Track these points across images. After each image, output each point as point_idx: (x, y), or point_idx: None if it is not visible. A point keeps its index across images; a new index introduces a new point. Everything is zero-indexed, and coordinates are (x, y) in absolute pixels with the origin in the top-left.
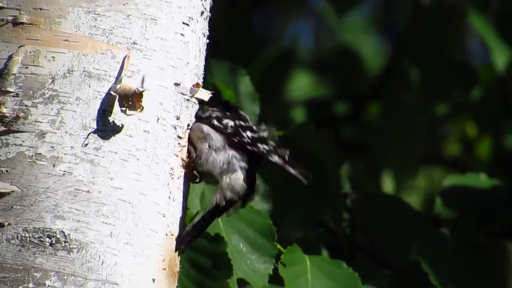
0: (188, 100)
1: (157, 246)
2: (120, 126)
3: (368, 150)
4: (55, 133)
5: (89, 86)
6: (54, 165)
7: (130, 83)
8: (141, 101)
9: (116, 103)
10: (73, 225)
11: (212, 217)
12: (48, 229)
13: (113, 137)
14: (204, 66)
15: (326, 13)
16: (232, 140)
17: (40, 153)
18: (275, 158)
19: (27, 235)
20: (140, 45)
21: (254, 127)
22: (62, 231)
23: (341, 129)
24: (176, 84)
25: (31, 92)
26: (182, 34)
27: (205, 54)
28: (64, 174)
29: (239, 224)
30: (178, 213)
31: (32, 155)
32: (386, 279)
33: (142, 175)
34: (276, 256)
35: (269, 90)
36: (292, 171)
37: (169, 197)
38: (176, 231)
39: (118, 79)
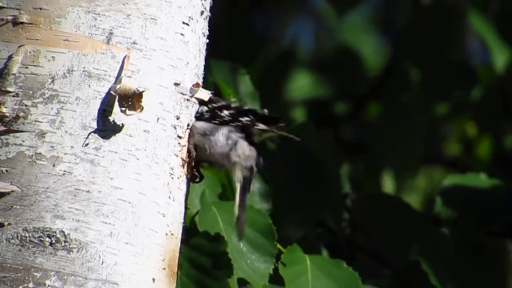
0: (188, 100)
1: (157, 246)
2: (120, 126)
3: (368, 150)
4: (55, 133)
5: (89, 86)
6: (54, 165)
7: (130, 83)
8: (141, 101)
9: (116, 103)
10: (73, 224)
11: (246, 192)
12: (48, 229)
13: (113, 137)
14: (204, 66)
15: (326, 13)
16: (215, 123)
17: (40, 153)
18: (261, 126)
19: (27, 235)
20: (140, 45)
21: (231, 104)
22: (62, 230)
23: (341, 129)
24: (176, 84)
25: (31, 92)
26: (182, 34)
27: (205, 54)
28: (64, 174)
29: None
30: (178, 213)
31: (32, 155)
32: (386, 279)
33: (142, 175)
34: (276, 255)
35: (269, 90)
36: (280, 132)
37: (169, 197)
38: (176, 231)
39: (118, 79)
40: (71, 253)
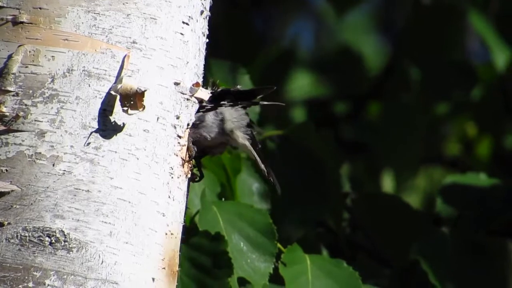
0: (188, 99)
1: (156, 245)
2: (121, 125)
3: (368, 150)
4: (55, 132)
5: (89, 86)
6: (53, 165)
7: (130, 82)
8: (142, 101)
9: (118, 102)
10: (73, 224)
11: (260, 150)
12: (47, 228)
13: (113, 136)
14: (204, 65)
15: (326, 13)
16: (199, 111)
17: (40, 152)
18: (244, 103)
19: (26, 235)
20: (139, 44)
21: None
22: (61, 230)
23: (341, 129)
24: (176, 84)
25: (31, 92)
26: (181, 34)
27: (204, 54)
28: (64, 173)
29: (239, 223)
30: (178, 213)
31: (32, 155)
32: (386, 279)
33: (142, 175)
34: (276, 255)
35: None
36: (263, 102)
37: (169, 197)
38: (176, 230)
39: (118, 78)
40: (71, 252)
